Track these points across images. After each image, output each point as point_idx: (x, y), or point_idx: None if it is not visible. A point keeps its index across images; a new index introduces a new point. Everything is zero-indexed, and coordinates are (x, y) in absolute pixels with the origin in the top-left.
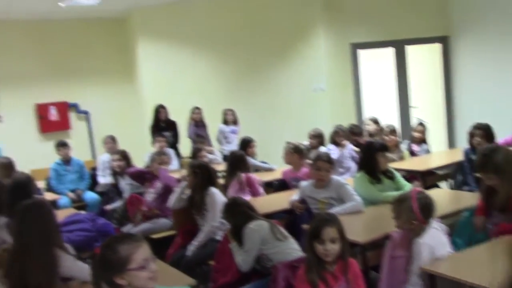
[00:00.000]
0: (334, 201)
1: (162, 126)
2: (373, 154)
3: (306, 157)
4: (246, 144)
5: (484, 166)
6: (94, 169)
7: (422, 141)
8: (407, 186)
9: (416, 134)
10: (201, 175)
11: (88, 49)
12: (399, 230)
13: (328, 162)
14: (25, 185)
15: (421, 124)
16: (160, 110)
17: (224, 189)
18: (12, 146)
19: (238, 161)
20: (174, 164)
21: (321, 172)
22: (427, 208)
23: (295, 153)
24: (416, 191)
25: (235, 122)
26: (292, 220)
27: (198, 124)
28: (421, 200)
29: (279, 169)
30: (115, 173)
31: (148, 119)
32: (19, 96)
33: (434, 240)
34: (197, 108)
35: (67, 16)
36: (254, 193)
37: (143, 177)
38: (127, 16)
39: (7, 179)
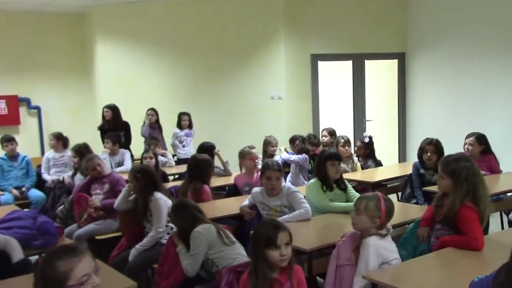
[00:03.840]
0: (286, 209)
1: (110, 127)
2: (324, 162)
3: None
4: (210, 150)
5: (446, 164)
6: (40, 166)
7: (367, 156)
8: None
9: (358, 151)
10: (143, 179)
11: (43, 43)
12: (355, 228)
13: (278, 171)
14: None
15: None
16: (104, 112)
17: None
18: None
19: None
20: (127, 164)
21: (271, 182)
22: (389, 212)
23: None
24: (381, 194)
25: (190, 126)
26: (241, 226)
27: (152, 126)
28: (387, 202)
29: (234, 174)
30: (76, 170)
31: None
32: None
33: (384, 244)
34: (152, 109)
35: (23, 8)
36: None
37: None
38: (85, 12)
39: None
